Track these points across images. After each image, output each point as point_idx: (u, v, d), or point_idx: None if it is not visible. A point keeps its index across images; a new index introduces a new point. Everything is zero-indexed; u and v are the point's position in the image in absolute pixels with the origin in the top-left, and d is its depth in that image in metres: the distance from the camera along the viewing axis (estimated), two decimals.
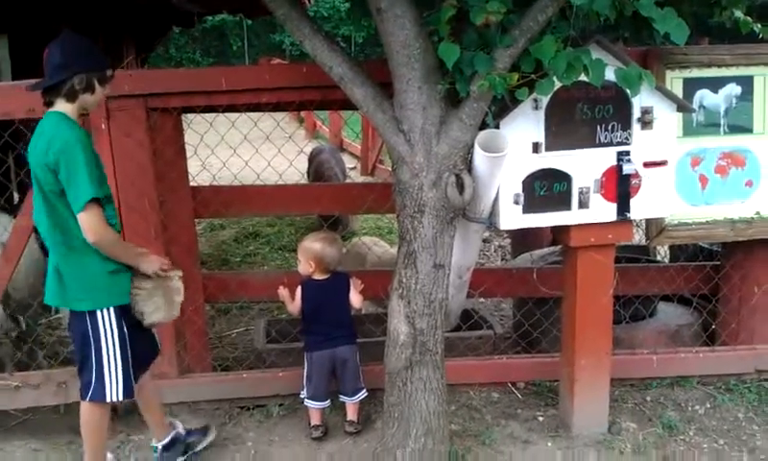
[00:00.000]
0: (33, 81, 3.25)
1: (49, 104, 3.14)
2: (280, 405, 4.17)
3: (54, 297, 3.26)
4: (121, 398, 3.27)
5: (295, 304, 3.88)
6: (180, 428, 3.72)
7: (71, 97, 3.11)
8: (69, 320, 3.34)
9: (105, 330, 3.19)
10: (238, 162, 4.43)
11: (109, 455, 3.63)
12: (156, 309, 3.32)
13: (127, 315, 3.25)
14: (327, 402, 3.92)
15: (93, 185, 3.00)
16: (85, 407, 3.34)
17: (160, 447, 3.67)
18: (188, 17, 10.23)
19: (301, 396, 3.92)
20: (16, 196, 6.09)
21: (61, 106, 3.12)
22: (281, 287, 3.92)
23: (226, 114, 4.09)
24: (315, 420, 3.91)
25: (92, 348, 3.21)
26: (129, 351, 3.25)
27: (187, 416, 4.08)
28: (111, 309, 3.19)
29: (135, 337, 3.30)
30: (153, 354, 3.55)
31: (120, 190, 3.85)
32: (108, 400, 3.27)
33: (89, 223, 3.02)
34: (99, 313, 3.18)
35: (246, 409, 4.16)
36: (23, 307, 4.47)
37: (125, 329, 3.23)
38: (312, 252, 3.82)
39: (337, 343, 3.83)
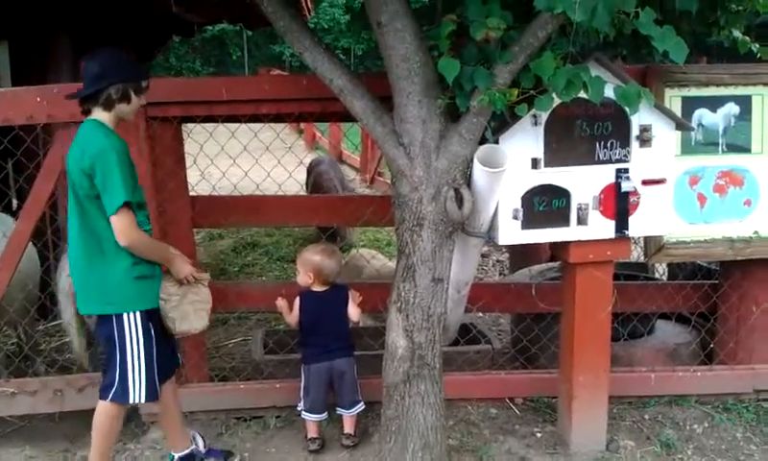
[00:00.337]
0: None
1: (87, 112, 3.27)
2: (277, 417, 4.16)
3: (83, 303, 3.33)
4: (144, 400, 3.32)
5: (293, 316, 3.88)
6: (201, 446, 3.71)
7: (108, 106, 3.23)
8: (96, 323, 3.41)
9: (130, 334, 3.25)
10: (238, 173, 4.43)
11: None
12: (185, 318, 3.39)
13: (153, 320, 3.32)
14: (324, 415, 3.91)
15: (126, 190, 3.11)
16: (102, 408, 3.37)
17: (177, 457, 3.67)
18: (188, 27, 10.25)
19: (299, 408, 3.91)
20: (15, 202, 6.09)
21: (98, 114, 3.24)
22: (280, 298, 3.92)
23: (225, 124, 4.10)
24: (312, 432, 3.90)
25: (117, 350, 3.27)
26: (154, 355, 3.31)
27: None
28: (138, 313, 3.26)
29: (160, 342, 3.35)
30: (174, 363, 3.60)
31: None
32: (131, 401, 3.32)
33: (121, 226, 3.12)
34: (125, 316, 3.24)
35: (243, 420, 4.15)
36: (20, 314, 4.46)
37: (152, 333, 3.30)
38: (311, 263, 3.82)
39: (335, 355, 3.82)
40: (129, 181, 3.15)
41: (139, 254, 3.22)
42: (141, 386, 3.29)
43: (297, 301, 3.87)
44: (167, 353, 3.48)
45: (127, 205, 3.12)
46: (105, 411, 3.36)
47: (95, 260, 3.21)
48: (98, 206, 3.15)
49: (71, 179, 3.20)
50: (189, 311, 3.41)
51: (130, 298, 3.24)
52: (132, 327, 3.25)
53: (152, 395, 3.34)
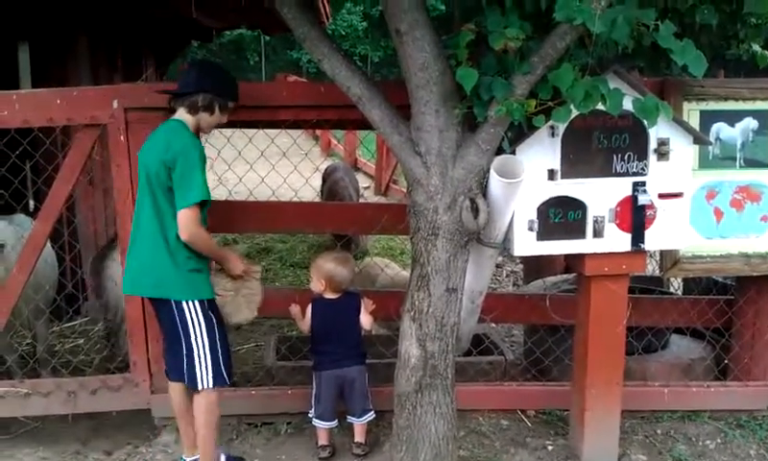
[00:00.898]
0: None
1: (172, 110, 3.48)
2: (288, 423, 4.16)
3: (134, 285, 3.48)
4: (212, 385, 3.45)
5: (305, 322, 3.88)
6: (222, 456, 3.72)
7: (192, 110, 3.42)
8: (155, 312, 3.58)
9: (192, 320, 3.39)
10: (254, 178, 4.44)
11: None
12: (238, 310, 3.57)
13: (213, 310, 3.47)
14: (335, 423, 3.91)
15: (205, 189, 3.30)
16: (196, 399, 3.50)
17: None
18: (207, 32, 10.32)
19: (310, 414, 3.91)
20: (32, 203, 6.13)
21: (182, 114, 3.44)
22: (293, 304, 3.93)
23: (243, 130, 4.11)
24: (323, 440, 3.89)
25: (181, 337, 3.42)
26: (217, 341, 3.45)
27: None
28: (197, 302, 3.40)
29: (221, 331, 3.50)
30: None
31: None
32: (200, 388, 3.44)
33: (187, 220, 3.29)
34: (185, 304, 3.39)
35: (254, 426, 4.15)
36: (35, 315, 4.50)
37: (213, 321, 3.44)
38: (324, 270, 3.83)
39: (345, 363, 3.82)
40: (206, 182, 3.33)
41: (198, 249, 3.36)
42: (208, 372, 3.43)
43: (309, 307, 3.88)
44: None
45: (200, 203, 3.30)
46: (196, 400, 3.50)
47: (158, 247, 3.35)
48: (168, 198, 3.31)
49: (147, 169, 3.34)
50: (242, 304, 3.58)
51: (183, 288, 3.38)
52: (194, 314, 3.39)
53: (219, 379, 3.46)
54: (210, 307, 3.45)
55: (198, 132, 3.48)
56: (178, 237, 3.31)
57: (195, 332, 3.40)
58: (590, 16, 2.74)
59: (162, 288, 3.39)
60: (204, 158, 3.36)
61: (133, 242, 3.46)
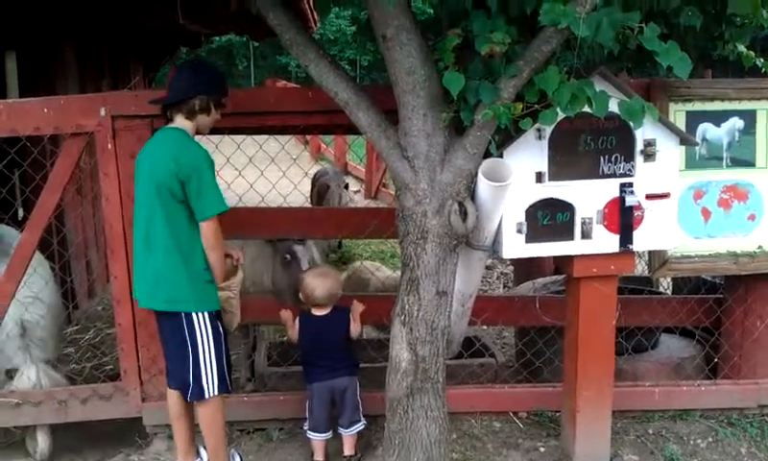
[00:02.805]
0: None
1: (169, 119, 3.44)
2: (280, 429, 4.16)
3: (149, 299, 3.46)
4: (217, 392, 3.47)
5: (294, 331, 3.87)
6: (205, 459, 3.70)
7: (190, 115, 3.41)
8: (160, 323, 3.54)
9: (200, 332, 3.42)
10: (243, 184, 4.44)
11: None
12: (228, 320, 3.61)
13: (219, 320, 3.51)
14: (329, 434, 3.87)
15: (223, 201, 3.35)
16: (199, 408, 3.52)
17: None
18: (195, 38, 10.30)
19: (304, 427, 3.89)
20: (21, 212, 6.11)
21: (181, 122, 3.41)
22: (283, 310, 3.92)
23: (231, 136, 4.11)
24: (318, 454, 3.86)
25: (189, 349, 3.42)
26: (223, 350, 3.49)
27: None
28: (206, 313, 3.42)
29: (226, 340, 3.55)
30: None
31: (125, 209, 3.86)
32: (207, 396, 3.46)
33: (213, 231, 3.36)
34: (194, 316, 3.40)
35: (246, 432, 4.15)
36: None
37: (220, 330, 3.49)
38: (302, 286, 3.82)
39: (336, 374, 3.79)
40: (220, 191, 3.36)
41: (215, 257, 3.40)
42: (214, 380, 3.45)
43: (297, 321, 3.87)
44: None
45: (219, 214, 3.35)
46: (200, 409, 3.53)
47: (174, 260, 3.35)
48: (181, 209, 3.32)
49: (156, 182, 3.31)
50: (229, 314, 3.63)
51: (200, 299, 3.40)
52: (203, 325, 3.41)
53: (224, 386, 3.50)
54: (217, 317, 3.49)
55: (196, 134, 3.47)
56: (192, 249, 3.35)
57: (203, 343, 3.42)
58: (575, 20, 2.75)
59: (176, 302, 3.39)
60: (213, 165, 3.38)
61: (145, 253, 3.42)
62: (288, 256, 4.34)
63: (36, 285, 4.17)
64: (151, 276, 3.41)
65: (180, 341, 3.42)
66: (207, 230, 3.34)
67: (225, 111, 3.82)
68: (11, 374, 4.03)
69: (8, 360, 4.05)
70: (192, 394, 3.47)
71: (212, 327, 3.43)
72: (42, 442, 3.97)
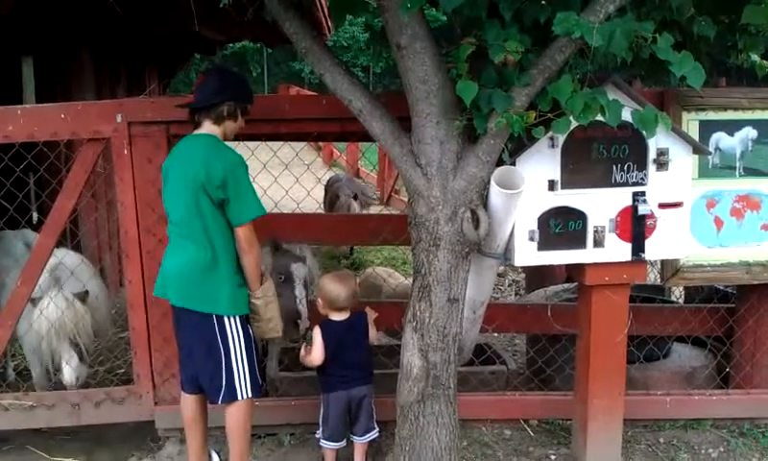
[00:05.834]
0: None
1: (196, 124, 3.47)
2: (292, 434, 4.17)
3: (183, 299, 3.46)
4: (250, 395, 3.51)
5: (315, 348, 3.73)
6: None
7: (218, 120, 3.45)
8: (185, 322, 3.50)
9: (233, 335, 3.45)
10: (257, 190, 4.47)
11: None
12: (257, 327, 3.58)
13: (249, 324, 3.54)
14: (343, 443, 3.85)
15: (260, 204, 3.39)
16: (228, 411, 3.54)
17: None
18: (210, 45, 10.37)
19: (317, 435, 3.87)
20: (35, 216, 6.16)
21: (209, 127, 3.45)
22: (303, 348, 3.80)
23: (245, 142, 4.14)
24: None
25: (221, 352, 3.45)
26: (254, 354, 3.53)
27: None
28: (238, 317, 3.46)
29: (255, 344, 3.58)
30: None
31: (140, 215, 3.91)
32: (239, 398, 3.49)
33: (250, 235, 3.40)
34: (227, 319, 3.44)
35: (257, 437, 4.15)
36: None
37: (250, 334, 3.53)
38: (323, 291, 3.76)
39: (354, 384, 3.76)
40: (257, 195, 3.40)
41: (251, 262, 3.43)
42: (246, 382, 3.49)
43: (317, 330, 3.77)
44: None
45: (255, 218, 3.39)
46: (229, 413, 3.53)
47: (205, 263, 3.38)
48: (217, 213, 3.35)
49: (192, 187, 3.33)
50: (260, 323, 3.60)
51: (234, 302, 3.44)
52: (234, 328, 3.44)
53: (255, 388, 3.54)
54: (247, 320, 3.53)
55: (223, 140, 3.50)
56: (227, 253, 3.39)
57: (235, 346, 3.45)
58: (589, 30, 2.77)
59: (210, 304, 3.41)
60: (247, 169, 3.41)
61: (180, 255, 3.43)
62: (282, 277, 4.12)
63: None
64: (186, 277, 3.43)
65: (209, 343, 3.43)
66: (243, 234, 3.38)
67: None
68: (34, 302, 4.09)
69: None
70: (224, 397, 3.48)
71: (243, 331, 3.47)
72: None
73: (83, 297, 4.21)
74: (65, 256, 4.37)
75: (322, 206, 8.57)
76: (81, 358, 4.16)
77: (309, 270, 4.31)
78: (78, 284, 4.29)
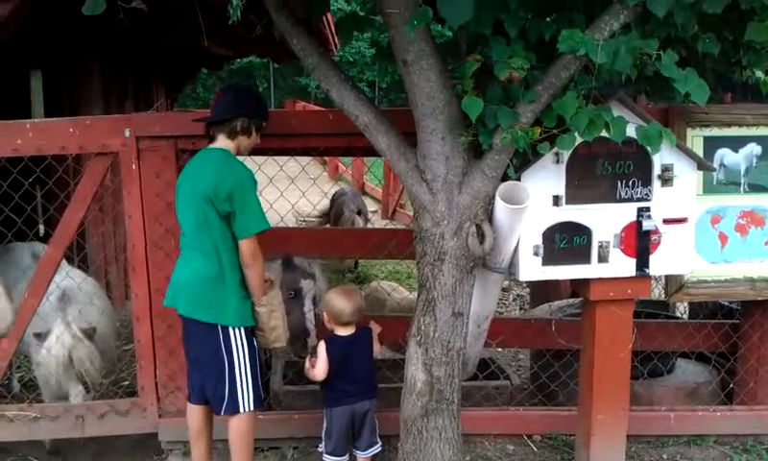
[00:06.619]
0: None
1: (211, 138, 3.54)
2: (295, 448, 4.18)
3: (189, 308, 3.51)
4: (252, 407, 3.55)
5: (320, 362, 3.73)
6: None
7: (232, 135, 3.51)
8: (192, 332, 3.54)
9: (237, 347, 3.49)
10: (263, 204, 4.49)
11: None
12: (261, 336, 3.62)
13: (254, 336, 3.58)
14: (346, 457, 3.85)
15: (265, 219, 3.43)
16: (230, 423, 3.57)
17: None
18: (217, 60, 10.44)
19: (320, 449, 3.87)
20: (42, 229, 6.19)
21: (223, 142, 3.52)
22: (307, 360, 3.82)
23: (252, 157, 4.16)
24: None
25: (225, 363, 3.49)
26: (257, 366, 3.57)
27: None
28: (243, 329, 3.51)
29: (258, 356, 3.63)
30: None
31: (148, 228, 3.93)
32: (242, 410, 3.53)
33: (254, 248, 3.44)
34: (231, 330, 3.48)
35: (260, 450, 4.16)
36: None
37: (255, 346, 3.57)
38: (329, 306, 3.77)
39: (357, 398, 3.76)
40: (263, 209, 3.45)
41: (254, 275, 3.48)
42: (249, 395, 3.53)
43: (321, 345, 3.77)
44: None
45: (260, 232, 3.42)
46: (232, 424, 3.56)
47: (212, 274, 3.44)
48: (224, 226, 3.41)
49: (202, 200, 3.38)
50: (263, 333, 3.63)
51: (238, 314, 3.48)
52: (238, 340, 3.49)
53: (258, 401, 3.57)
54: (252, 332, 3.56)
55: (237, 156, 3.55)
56: (233, 265, 3.44)
57: (239, 357, 3.48)
58: (593, 47, 2.80)
59: (218, 314, 3.45)
60: (255, 185, 3.46)
61: (189, 266, 3.49)
62: (292, 293, 4.07)
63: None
64: (193, 288, 3.47)
65: (213, 354, 3.47)
66: (247, 247, 3.42)
67: None
68: (40, 336, 4.08)
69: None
70: (227, 408, 3.52)
71: (248, 343, 3.51)
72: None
73: (90, 334, 4.15)
74: (70, 277, 4.34)
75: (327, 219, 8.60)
76: (87, 390, 4.15)
77: (318, 286, 4.29)
78: (83, 309, 4.26)
